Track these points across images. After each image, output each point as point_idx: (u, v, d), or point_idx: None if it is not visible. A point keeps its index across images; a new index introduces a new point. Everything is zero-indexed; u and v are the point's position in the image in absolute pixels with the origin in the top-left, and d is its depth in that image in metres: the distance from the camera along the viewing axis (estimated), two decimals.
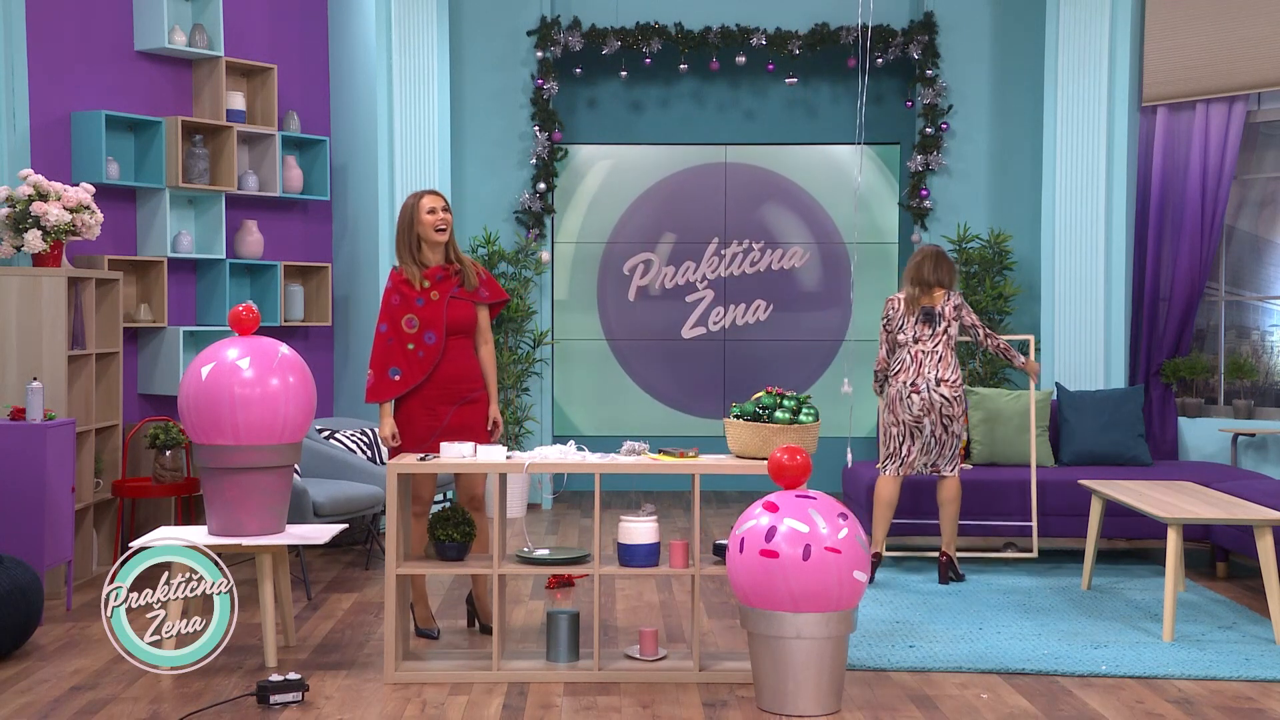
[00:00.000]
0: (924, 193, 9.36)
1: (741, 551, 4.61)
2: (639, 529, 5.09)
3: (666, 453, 5.22)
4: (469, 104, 9.47)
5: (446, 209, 5.58)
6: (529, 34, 9.38)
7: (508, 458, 5.13)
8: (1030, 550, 7.18)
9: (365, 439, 7.66)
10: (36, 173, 6.67)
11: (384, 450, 7.70)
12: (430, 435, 5.53)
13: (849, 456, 7.48)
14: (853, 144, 9.90)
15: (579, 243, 10.01)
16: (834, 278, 9.98)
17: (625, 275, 10.02)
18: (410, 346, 5.52)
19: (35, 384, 6.06)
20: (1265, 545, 5.59)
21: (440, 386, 5.55)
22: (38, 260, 6.54)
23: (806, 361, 10.00)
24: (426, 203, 5.55)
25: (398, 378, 5.53)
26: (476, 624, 5.83)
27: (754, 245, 10.00)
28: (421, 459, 5.15)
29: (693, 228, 10.03)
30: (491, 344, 5.75)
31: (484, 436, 5.65)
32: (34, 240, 6.40)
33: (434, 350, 5.53)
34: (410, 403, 5.56)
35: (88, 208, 6.60)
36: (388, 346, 5.54)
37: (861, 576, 4.59)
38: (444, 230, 5.56)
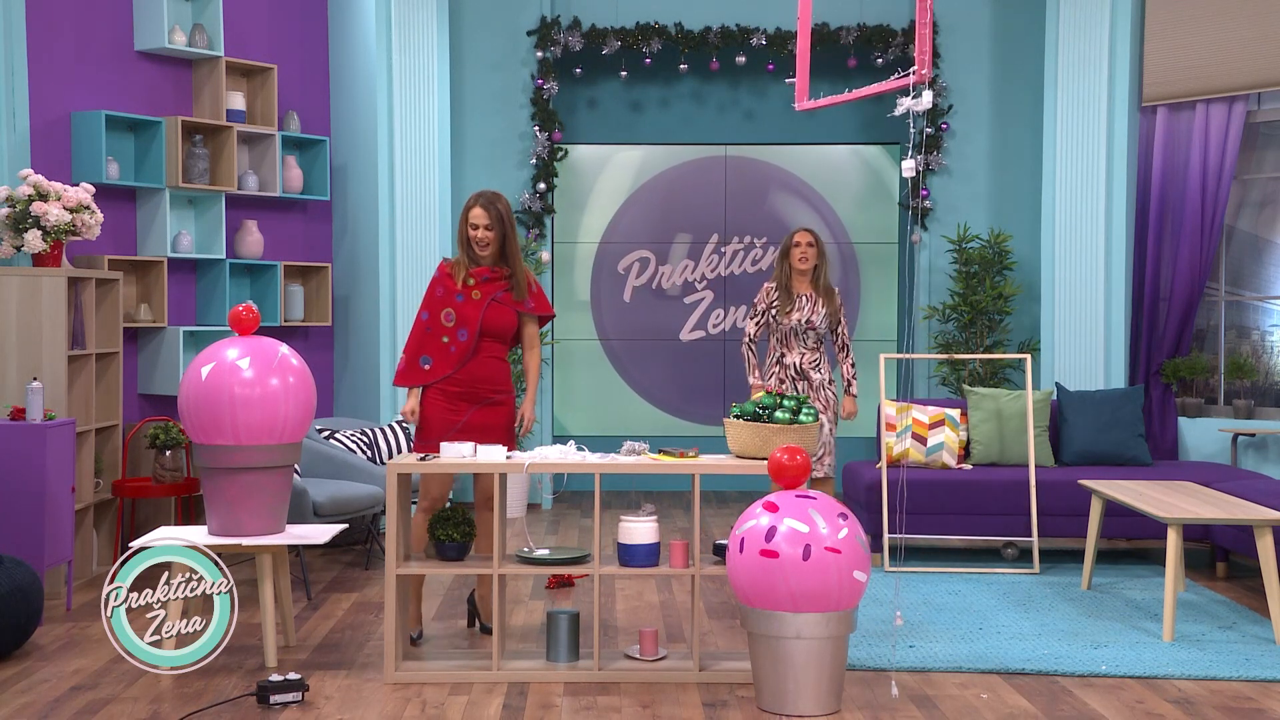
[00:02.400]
0: (924, 193, 9.36)
1: (741, 551, 4.61)
2: (639, 529, 5.10)
3: (666, 453, 5.22)
4: (469, 104, 9.47)
5: (490, 227, 5.54)
6: (529, 34, 9.38)
7: (508, 458, 5.13)
8: (1030, 558, 7.18)
9: (365, 439, 7.66)
10: (36, 173, 6.67)
11: (383, 450, 7.70)
12: (448, 430, 5.52)
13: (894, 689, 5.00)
14: (873, 143, 9.91)
15: (579, 243, 10.01)
16: (839, 277, 9.96)
17: (621, 274, 10.02)
18: (444, 340, 5.55)
19: (35, 384, 6.06)
20: (1265, 545, 5.59)
21: (465, 385, 5.56)
22: (38, 260, 6.54)
23: None
24: (472, 217, 5.55)
25: (427, 367, 5.56)
26: (477, 624, 5.83)
27: (755, 242, 9.99)
28: (422, 459, 5.15)
29: (691, 224, 10.02)
30: (538, 352, 5.77)
31: (503, 437, 5.62)
32: (34, 240, 6.40)
33: (464, 348, 5.54)
34: (432, 396, 5.57)
35: (88, 208, 6.60)
36: (424, 335, 5.59)
37: (861, 576, 4.59)
38: (485, 247, 5.55)
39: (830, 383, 6.66)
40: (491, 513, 5.59)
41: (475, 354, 5.57)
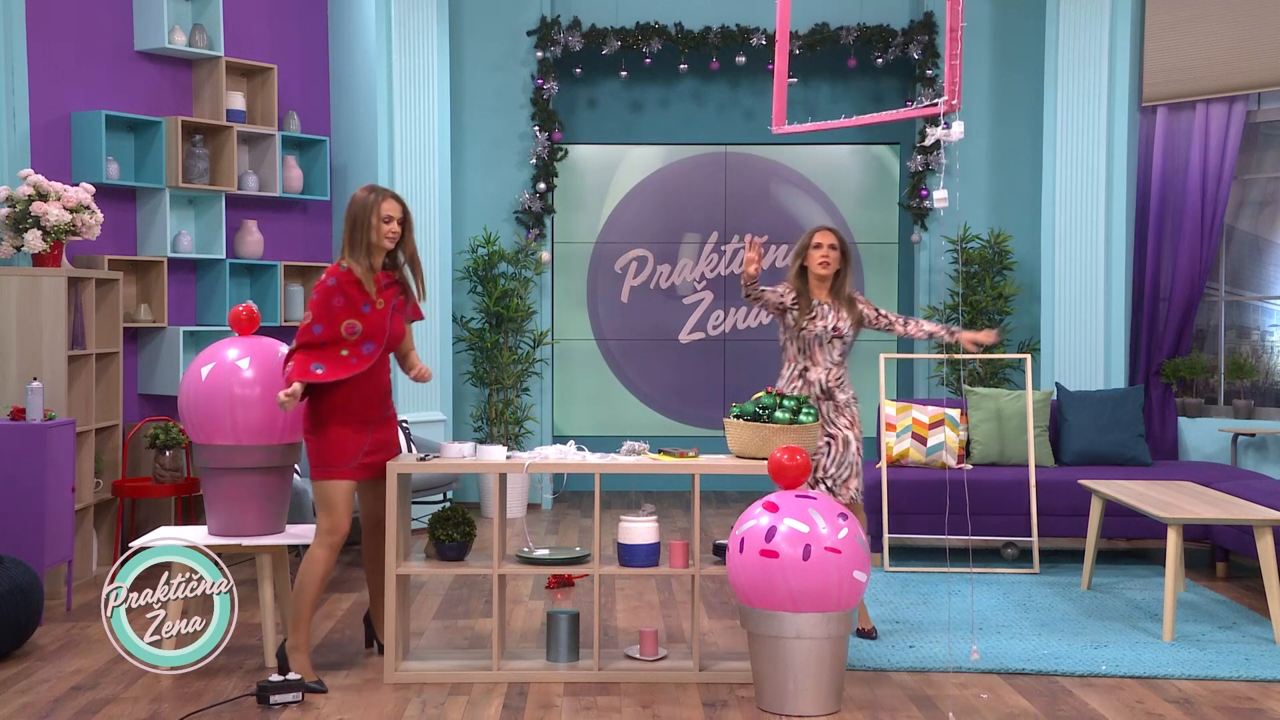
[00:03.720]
0: (924, 193, 9.36)
1: (741, 551, 4.61)
2: (639, 529, 5.10)
3: (666, 453, 5.22)
4: (469, 104, 9.47)
5: (402, 221, 5.02)
6: (529, 34, 9.38)
7: (508, 458, 5.13)
8: (1030, 558, 7.18)
9: None
10: (36, 173, 6.67)
11: None
12: (357, 456, 5.01)
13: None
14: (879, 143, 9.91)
15: (579, 243, 10.00)
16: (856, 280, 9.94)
17: (619, 274, 10.00)
18: (344, 353, 4.94)
19: (35, 384, 6.06)
20: (1265, 545, 5.59)
21: (367, 404, 5.00)
22: (38, 260, 6.54)
23: None
24: (386, 209, 4.97)
25: (320, 372, 4.90)
26: (375, 645, 5.38)
27: (756, 240, 9.96)
28: (422, 459, 5.13)
29: (691, 223, 10.01)
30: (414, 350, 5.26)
31: (397, 452, 5.18)
32: (34, 240, 6.40)
33: (367, 360, 4.96)
34: (340, 425, 4.98)
35: (88, 208, 6.60)
36: (321, 349, 4.94)
37: (861, 576, 4.59)
38: (393, 240, 5.01)
39: (855, 400, 5.73)
40: (376, 533, 5.19)
41: (373, 369, 5.02)
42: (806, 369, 5.65)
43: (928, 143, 4.88)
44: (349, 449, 5.00)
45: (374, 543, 5.24)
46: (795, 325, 5.63)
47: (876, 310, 5.77)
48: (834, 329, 5.62)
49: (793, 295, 5.64)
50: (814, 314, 5.63)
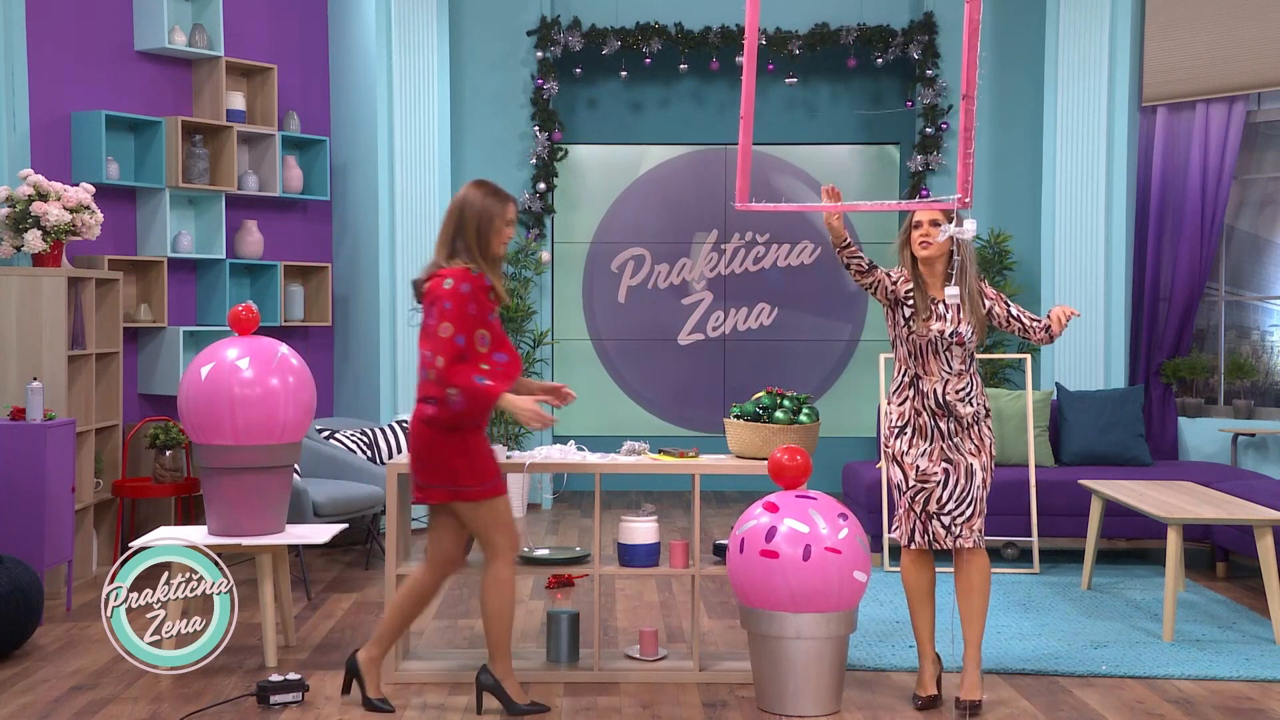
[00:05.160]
0: (924, 192, 9.35)
1: (741, 551, 4.62)
2: (639, 529, 5.10)
3: (666, 453, 5.22)
4: (469, 104, 9.47)
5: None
6: (529, 34, 9.38)
7: (508, 458, 5.13)
8: (1030, 558, 7.18)
9: (365, 439, 7.66)
10: (36, 173, 6.67)
11: (383, 450, 7.69)
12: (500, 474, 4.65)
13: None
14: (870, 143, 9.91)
15: (579, 243, 10.00)
16: (845, 276, 9.94)
17: (616, 273, 9.98)
18: (484, 367, 4.47)
19: (35, 384, 6.06)
20: (1265, 545, 5.60)
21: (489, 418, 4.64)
22: (38, 260, 6.54)
23: (819, 364, 9.95)
24: (511, 213, 4.55)
25: (486, 383, 4.43)
26: (355, 689, 4.76)
27: (758, 238, 9.97)
28: None
29: (690, 222, 9.99)
30: None
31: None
32: (34, 240, 6.40)
33: (512, 368, 4.55)
34: (482, 436, 4.58)
35: (88, 208, 6.61)
36: (464, 363, 4.44)
37: (861, 576, 4.59)
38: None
39: (987, 416, 4.75)
40: (438, 580, 4.72)
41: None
42: (919, 377, 4.72)
43: (940, 239, 4.62)
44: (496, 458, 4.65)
45: (432, 583, 4.69)
46: (906, 326, 4.72)
47: (1008, 309, 4.75)
48: (954, 334, 4.67)
49: (908, 285, 4.71)
50: (929, 315, 4.68)
